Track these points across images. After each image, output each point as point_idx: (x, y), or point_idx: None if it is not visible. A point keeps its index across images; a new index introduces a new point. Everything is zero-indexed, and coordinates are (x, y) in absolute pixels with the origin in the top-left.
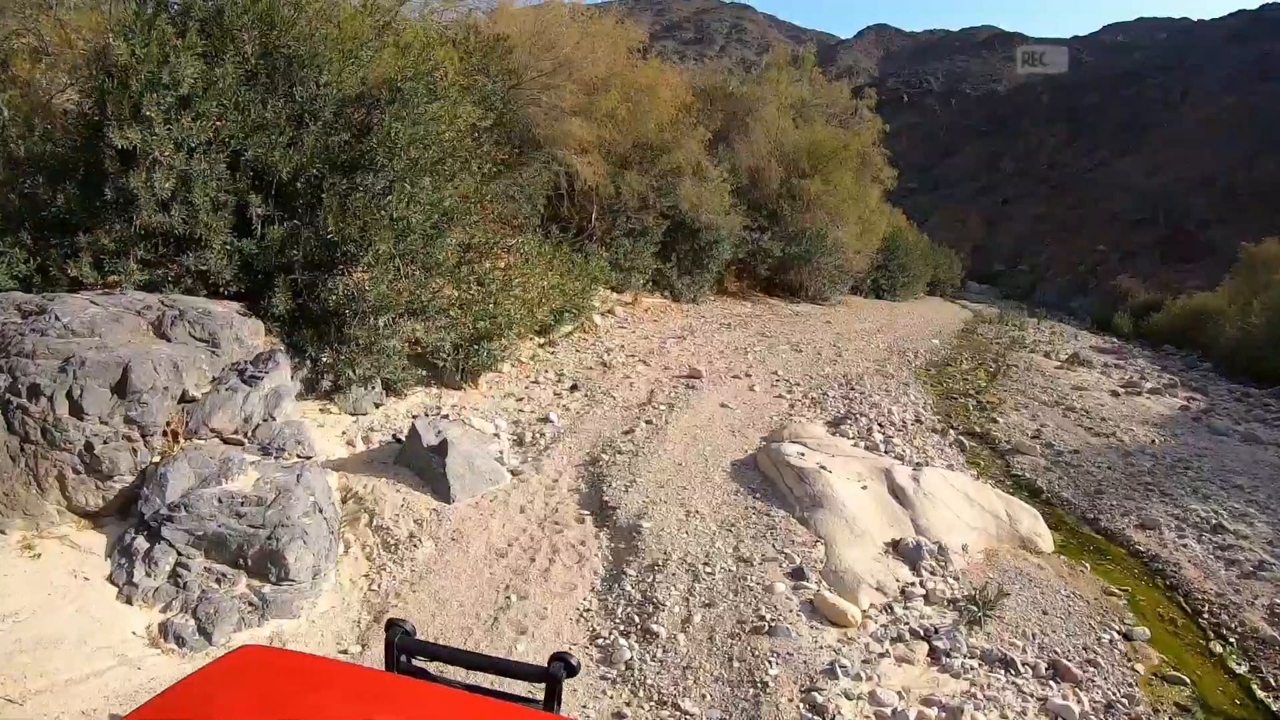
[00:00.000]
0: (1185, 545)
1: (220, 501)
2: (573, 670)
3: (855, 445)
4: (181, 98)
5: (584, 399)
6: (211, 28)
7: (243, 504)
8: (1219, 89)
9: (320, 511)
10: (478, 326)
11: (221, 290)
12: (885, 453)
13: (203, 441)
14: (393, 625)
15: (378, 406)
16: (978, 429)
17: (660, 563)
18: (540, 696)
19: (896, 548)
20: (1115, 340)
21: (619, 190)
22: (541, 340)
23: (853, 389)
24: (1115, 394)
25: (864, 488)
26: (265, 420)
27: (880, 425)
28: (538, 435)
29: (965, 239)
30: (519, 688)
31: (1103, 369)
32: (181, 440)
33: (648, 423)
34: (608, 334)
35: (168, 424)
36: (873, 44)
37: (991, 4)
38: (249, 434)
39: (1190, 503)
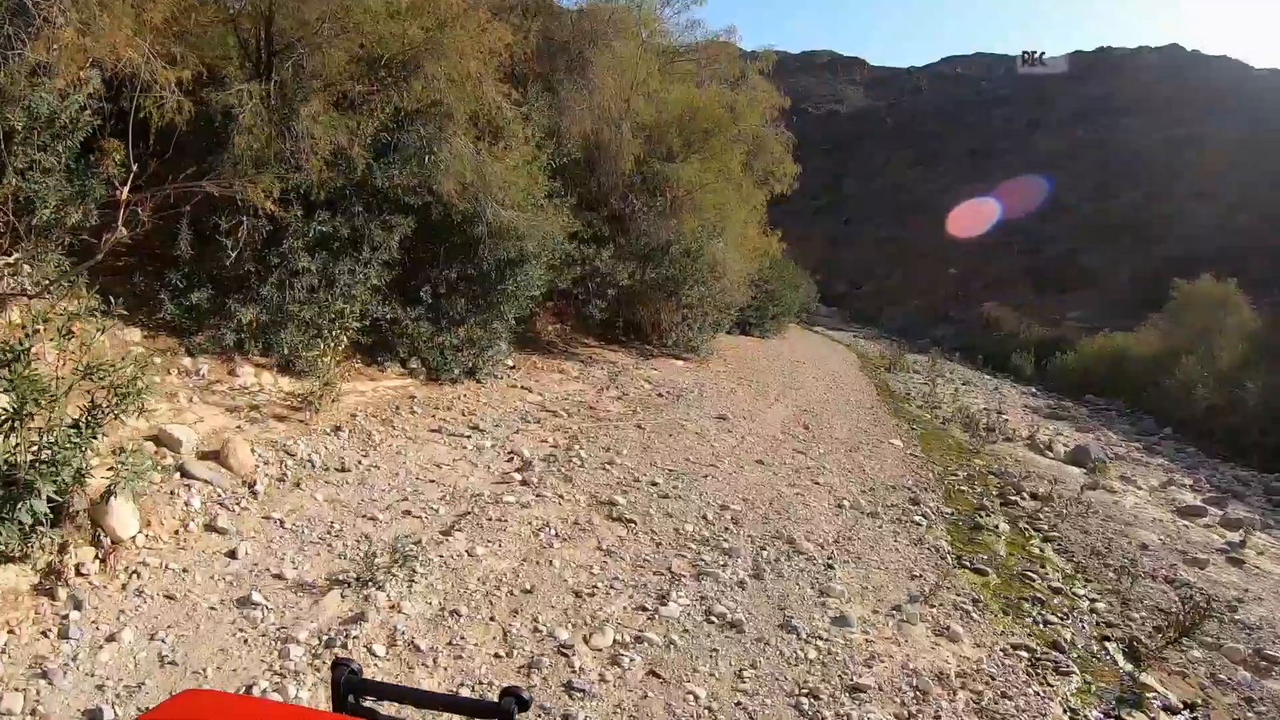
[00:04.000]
0: None
1: None
2: (524, 704)
3: None
4: None
5: None
6: None
7: None
8: (1068, 121)
9: None
10: None
11: None
12: None
13: None
14: (339, 665)
15: None
16: None
17: None
18: None
19: None
20: (1035, 390)
21: (297, 146)
22: None
23: None
24: (1237, 562)
25: None
26: None
27: None
28: None
29: (808, 258)
30: None
31: (1120, 468)
32: None
33: None
34: (131, 585)
35: None
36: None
37: (830, 30)
38: None
39: None
